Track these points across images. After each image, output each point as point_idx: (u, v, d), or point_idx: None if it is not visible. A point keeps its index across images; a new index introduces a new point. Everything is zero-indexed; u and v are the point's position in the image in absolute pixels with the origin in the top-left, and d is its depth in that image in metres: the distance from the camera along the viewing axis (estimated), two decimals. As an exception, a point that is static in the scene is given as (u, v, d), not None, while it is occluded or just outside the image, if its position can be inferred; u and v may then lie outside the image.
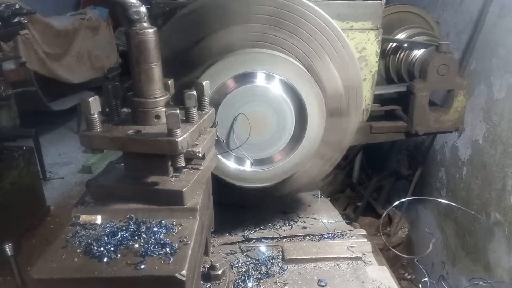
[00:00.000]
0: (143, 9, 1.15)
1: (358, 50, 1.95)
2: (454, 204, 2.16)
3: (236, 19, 1.62)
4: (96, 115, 1.16)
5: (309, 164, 1.77)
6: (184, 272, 0.98)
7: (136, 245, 1.06)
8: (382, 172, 4.49)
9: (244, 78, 1.62)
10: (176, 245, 1.06)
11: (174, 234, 1.11)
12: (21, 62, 5.12)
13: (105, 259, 1.01)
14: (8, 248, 1.81)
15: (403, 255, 2.53)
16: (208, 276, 1.38)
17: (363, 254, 1.68)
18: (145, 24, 1.16)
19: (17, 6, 3.59)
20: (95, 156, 5.62)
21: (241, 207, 2.05)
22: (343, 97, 1.77)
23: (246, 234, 1.87)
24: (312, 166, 1.83)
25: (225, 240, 1.84)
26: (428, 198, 3.29)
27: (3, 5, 3.45)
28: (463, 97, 2.26)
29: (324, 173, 1.94)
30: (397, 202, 2.31)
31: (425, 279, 1.84)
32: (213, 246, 1.70)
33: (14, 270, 1.82)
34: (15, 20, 3.65)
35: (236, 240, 1.84)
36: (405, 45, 2.39)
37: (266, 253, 1.66)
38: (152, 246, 1.05)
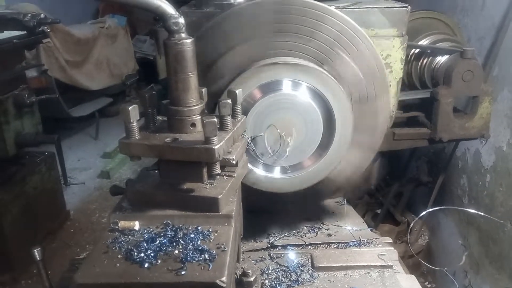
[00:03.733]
0: (181, 20, 1.18)
1: (383, 57, 1.95)
2: (482, 214, 2.11)
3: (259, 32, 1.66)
4: (135, 124, 1.18)
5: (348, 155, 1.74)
6: (224, 278, 1.00)
7: (176, 251, 1.07)
8: (400, 179, 4.44)
9: (271, 86, 1.64)
10: (214, 252, 1.07)
11: (211, 240, 1.13)
12: (43, 69, 5.25)
13: (146, 265, 1.03)
14: (36, 253, 1.84)
15: (432, 266, 2.47)
16: (240, 282, 1.39)
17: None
18: (183, 35, 1.19)
19: (42, 15, 3.68)
20: (113, 162, 5.72)
21: (265, 213, 2.06)
22: (363, 82, 1.75)
23: (271, 241, 1.88)
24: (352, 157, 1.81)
25: (250, 247, 1.85)
26: (459, 208, 3.23)
27: (29, 15, 3.55)
28: (488, 103, 2.23)
29: (368, 158, 1.90)
30: (426, 212, 2.27)
31: (454, 288, 1.81)
32: (242, 253, 1.71)
33: (42, 274, 1.85)
34: (39, 29, 3.76)
35: (262, 247, 1.84)
36: (428, 51, 2.38)
37: (295, 260, 1.67)
38: (191, 252, 1.07)
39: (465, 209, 3.18)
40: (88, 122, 6.63)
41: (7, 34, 3.59)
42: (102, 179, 5.44)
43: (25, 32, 3.65)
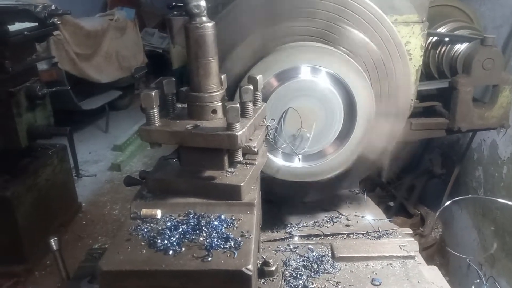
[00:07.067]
0: (203, 3, 1.15)
1: (402, 44, 1.90)
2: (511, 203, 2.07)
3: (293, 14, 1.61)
4: (156, 110, 1.16)
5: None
6: (250, 266, 0.98)
7: (201, 239, 1.06)
8: (411, 171, 4.39)
9: (289, 73, 1.60)
10: (240, 239, 1.05)
11: (235, 228, 1.11)
12: (53, 62, 5.26)
13: (170, 252, 1.02)
14: (53, 243, 1.84)
15: (460, 255, 2.43)
16: (262, 272, 1.38)
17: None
18: (204, 18, 1.16)
19: (53, 7, 3.67)
20: (124, 154, 5.75)
21: (282, 203, 2.04)
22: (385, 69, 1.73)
23: (289, 231, 1.86)
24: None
25: (268, 237, 1.83)
26: (485, 197, 3.17)
27: (40, 6, 3.54)
28: (508, 92, 2.18)
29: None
30: (448, 202, 2.21)
31: (477, 280, 1.78)
32: (262, 243, 1.70)
33: (59, 264, 1.85)
34: (50, 21, 3.75)
35: (279, 237, 1.82)
36: (447, 39, 2.32)
37: (315, 251, 1.64)
38: (216, 239, 1.05)
39: (492, 198, 3.12)
40: (98, 115, 6.66)
41: (18, 26, 3.59)
42: (113, 171, 5.47)
43: (36, 24, 3.65)
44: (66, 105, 5.61)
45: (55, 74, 5.08)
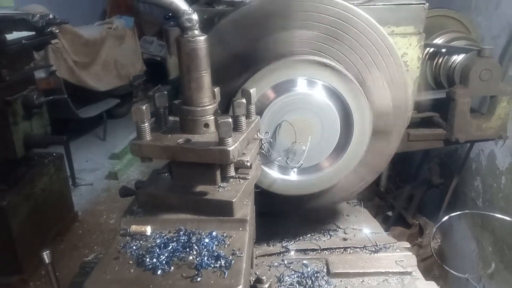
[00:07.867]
0: (195, 16, 1.13)
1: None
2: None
3: (291, 25, 1.61)
4: (147, 124, 1.14)
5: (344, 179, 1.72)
6: (240, 287, 0.95)
7: (190, 257, 1.03)
8: (410, 181, 4.36)
9: (285, 86, 1.59)
10: (231, 258, 1.03)
11: (226, 246, 1.08)
12: (51, 70, 5.25)
13: (159, 272, 0.99)
14: (45, 256, 1.80)
15: (457, 273, 2.40)
16: (255, 289, 1.35)
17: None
18: (196, 32, 1.15)
19: (50, 16, 3.67)
20: (121, 163, 5.71)
21: (278, 216, 2.01)
22: (390, 116, 1.72)
23: (284, 245, 1.83)
24: (346, 182, 1.78)
25: (263, 251, 1.80)
26: (489, 213, 3.14)
27: (38, 15, 3.53)
28: (506, 103, 2.17)
29: (356, 191, 1.90)
30: (446, 217, 2.19)
31: (476, 295, 1.74)
32: (255, 258, 1.67)
33: (51, 277, 1.82)
34: (48, 30, 3.74)
35: (275, 251, 1.79)
36: (443, 50, 2.31)
37: (310, 266, 1.61)
38: (206, 258, 1.02)
39: (486, 212, 3.09)
40: (95, 124, 6.64)
41: (16, 35, 3.58)
42: (110, 180, 5.43)
43: (33, 32, 3.64)
44: (63, 113, 5.58)
45: (53, 83, 5.07)
